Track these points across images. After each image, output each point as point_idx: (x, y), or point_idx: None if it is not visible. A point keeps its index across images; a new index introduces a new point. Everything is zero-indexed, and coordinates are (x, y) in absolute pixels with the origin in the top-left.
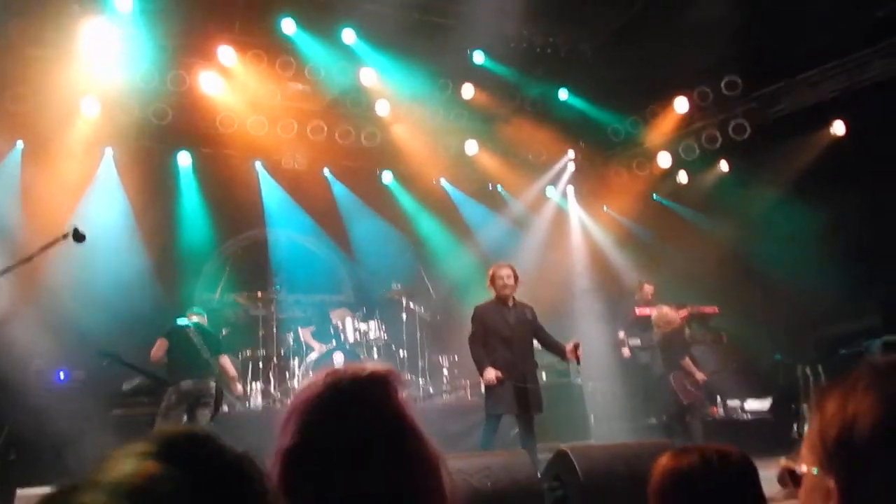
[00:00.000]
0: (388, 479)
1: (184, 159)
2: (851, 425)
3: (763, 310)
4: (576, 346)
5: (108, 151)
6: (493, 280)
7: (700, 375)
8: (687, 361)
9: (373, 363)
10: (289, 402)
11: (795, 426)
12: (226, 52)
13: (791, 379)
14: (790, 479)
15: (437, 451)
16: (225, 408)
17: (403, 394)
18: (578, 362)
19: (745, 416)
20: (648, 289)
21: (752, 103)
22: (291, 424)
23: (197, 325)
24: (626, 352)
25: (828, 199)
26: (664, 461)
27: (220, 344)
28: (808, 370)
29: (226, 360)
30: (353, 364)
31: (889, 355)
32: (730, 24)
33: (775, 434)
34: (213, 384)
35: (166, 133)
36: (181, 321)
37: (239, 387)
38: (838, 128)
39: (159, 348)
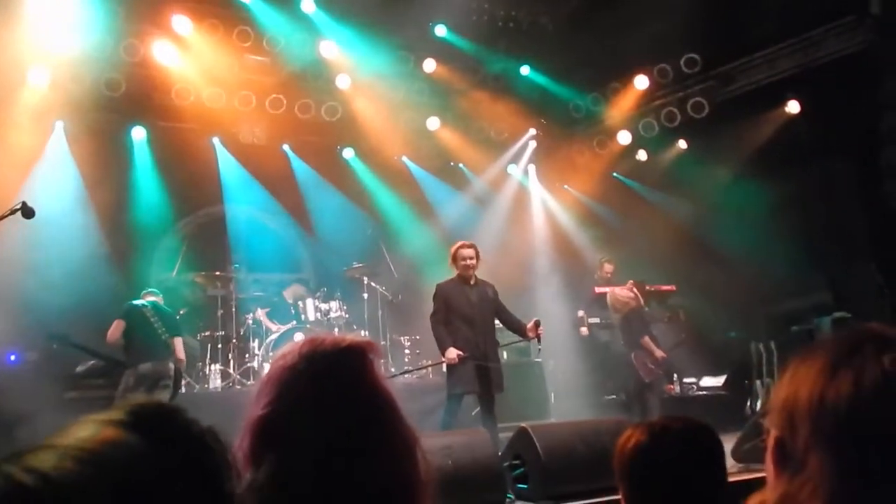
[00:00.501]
0: (361, 449)
1: (138, 133)
2: (801, 382)
3: (719, 287)
4: (536, 325)
5: (59, 124)
6: (455, 258)
7: (660, 353)
8: (647, 340)
9: (352, 335)
10: (249, 383)
11: (749, 402)
12: (181, 21)
13: (745, 356)
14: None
15: (413, 428)
16: (182, 389)
17: (379, 367)
18: (539, 341)
19: (700, 393)
20: (609, 267)
21: (710, 81)
22: (266, 394)
23: (154, 305)
24: (584, 330)
25: (782, 177)
26: (634, 434)
27: (177, 325)
28: (760, 347)
29: (179, 343)
30: (332, 334)
31: (855, 329)
32: (689, 1)
33: (729, 410)
34: (171, 366)
35: (120, 105)
36: (138, 301)
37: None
38: (793, 107)
39: (116, 329)
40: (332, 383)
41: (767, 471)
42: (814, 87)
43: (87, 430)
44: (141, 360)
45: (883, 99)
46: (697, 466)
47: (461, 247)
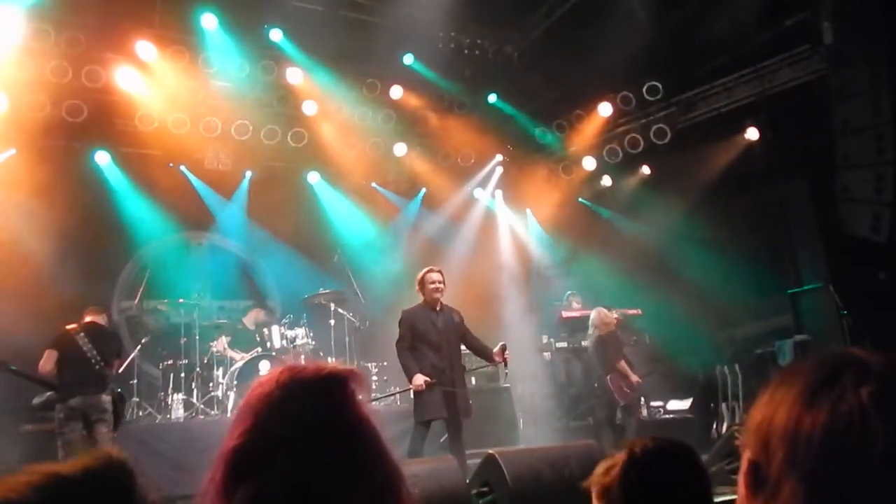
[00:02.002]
0: (339, 484)
1: (102, 158)
2: (777, 406)
3: (683, 311)
4: (503, 349)
5: (13, 150)
6: (422, 284)
7: (635, 378)
8: (622, 364)
9: (334, 362)
10: (213, 412)
11: (714, 425)
12: (145, 48)
13: (710, 379)
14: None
15: (396, 463)
16: (125, 416)
17: (361, 398)
18: (506, 365)
19: (667, 416)
20: (576, 305)
21: (672, 108)
22: (240, 423)
23: (91, 329)
24: (547, 355)
25: (742, 202)
26: (616, 460)
27: (118, 348)
28: (725, 370)
29: (118, 365)
30: (314, 361)
31: (835, 354)
32: (651, 30)
33: (696, 433)
34: (104, 398)
35: (82, 131)
36: (71, 327)
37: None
38: (752, 133)
39: (48, 359)
40: (311, 414)
41: (739, 493)
42: (771, 114)
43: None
44: (70, 394)
45: (835, 126)
46: (684, 487)
47: (429, 272)
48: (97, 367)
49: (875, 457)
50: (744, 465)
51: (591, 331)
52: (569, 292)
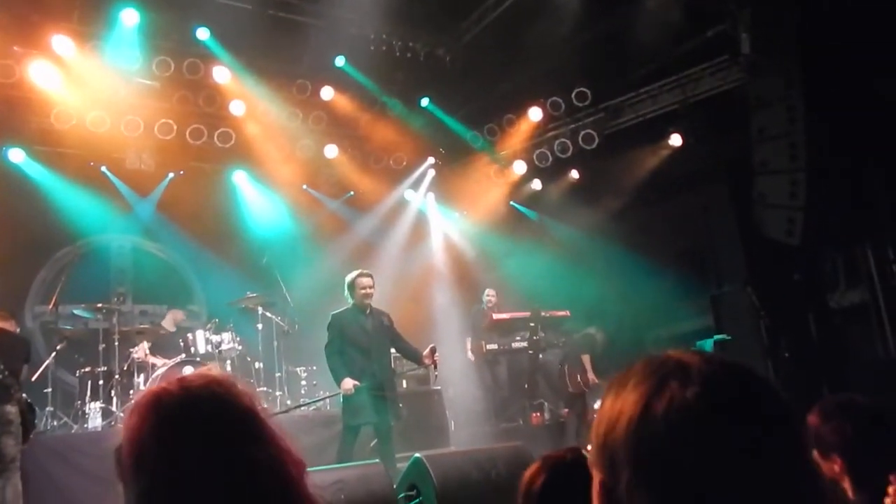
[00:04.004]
0: (235, 482)
1: (16, 156)
2: (615, 422)
3: (610, 312)
4: (433, 352)
5: None
6: (352, 288)
7: (592, 376)
8: (587, 357)
9: (215, 370)
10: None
11: None
12: (62, 42)
13: None
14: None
15: (298, 459)
16: (35, 426)
17: (250, 399)
18: (436, 367)
19: (591, 417)
20: (492, 298)
21: (599, 114)
22: (135, 422)
23: None
24: (470, 356)
25: (666, 206)
26: (536, 473)
27: (25, 354)
28: None
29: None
30: (179, 376)
31: (656, 359)
32: (580, 38)
33: None
34: (9, 409)
35: None
36: None
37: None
38: (675, 139)
39: None
40: (207, 403)
41: None
42: (693, 121)
43: None
44: None
45: (753, 133)
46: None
47: (360, 276)
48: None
49: (723, 451)
50: (595, 486)
51: None
52: (486, 290)
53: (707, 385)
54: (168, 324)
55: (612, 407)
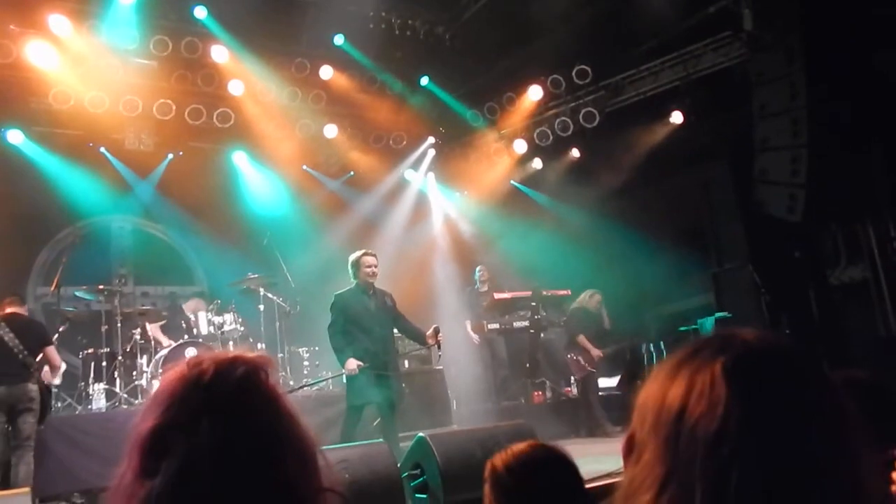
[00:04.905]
0: (261, 452)
1: (15, 137)
2: (663, 394)
3: (611, 291)
4: (436, 332)
5: None
6: (356, 267)
7: (596, 352)
8: (583, 338)
9: (240, 349)
10: (137, 401)
11: None
12: (59, 22)
13: (636, 356)
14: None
15: (313, 437)
16: (50, 408)
17: (274, 379)
18: (439, 348)
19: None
20: (485, 274)
21: (600, 91)
22: (156, 407)
23: (11, 319)
24: (477, 337)
25: (667, 184)
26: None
27: (43, 336)
28: (651, 347)
29: (51, 351)
30: (218, 351)
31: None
32: (580, 15)
33: (626, 409)
34: (31, 387)
35: None
36: None
37: (57, 379)
38: (676, 117)
39: None
40: (226, 391)
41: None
42: (695, 98)
43: None
44: None
45: (754, 109)
46: (557, 490)
47: (365, 254)
48: (20, 356)
49: (726, 422)
50: (624, 437)
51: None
52: (478, 267)
53: (737, 357)
54: (189, 309)
55: (658, 371)
